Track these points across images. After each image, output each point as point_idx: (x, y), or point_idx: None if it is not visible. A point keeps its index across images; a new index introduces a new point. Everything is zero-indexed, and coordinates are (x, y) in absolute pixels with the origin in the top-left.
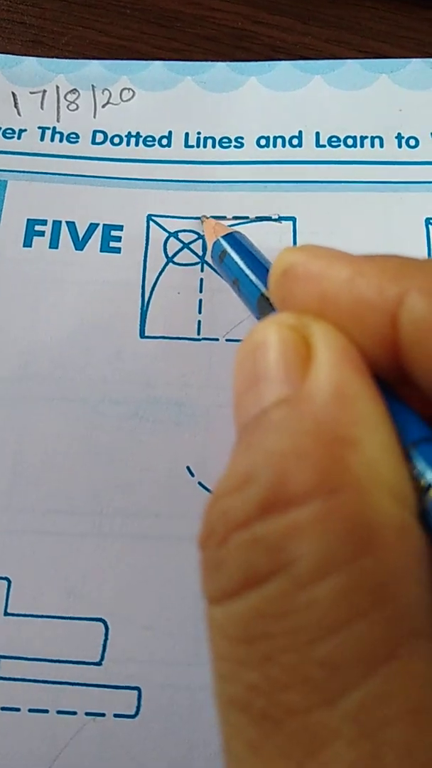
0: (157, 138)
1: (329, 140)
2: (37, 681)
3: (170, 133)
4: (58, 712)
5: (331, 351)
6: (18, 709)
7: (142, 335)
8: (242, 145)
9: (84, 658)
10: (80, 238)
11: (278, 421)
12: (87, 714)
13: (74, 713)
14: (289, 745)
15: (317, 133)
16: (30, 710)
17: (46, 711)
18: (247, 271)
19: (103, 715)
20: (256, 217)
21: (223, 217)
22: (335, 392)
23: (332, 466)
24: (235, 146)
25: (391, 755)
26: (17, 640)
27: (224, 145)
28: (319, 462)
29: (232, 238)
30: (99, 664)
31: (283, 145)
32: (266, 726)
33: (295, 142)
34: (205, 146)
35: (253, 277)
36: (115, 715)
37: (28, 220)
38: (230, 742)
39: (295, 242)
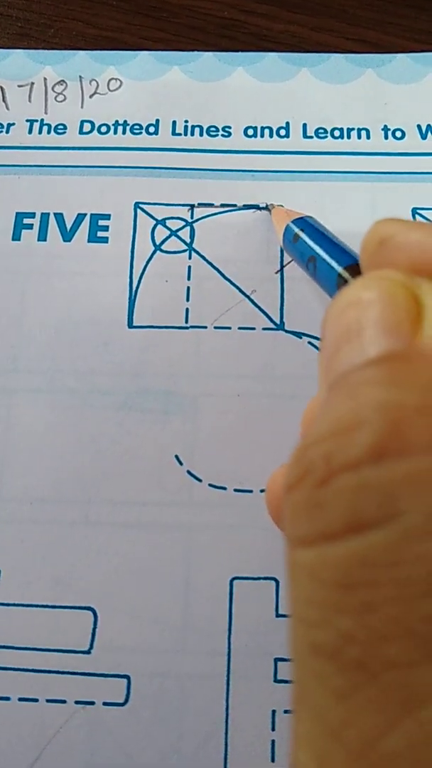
0: (144, 126)
1: (316, 132)
2: (27, 670)
3: (157, 121)
4: (48, 700)
5: None
6: (8, 698)
7: (131, 325)
8: (230, 134)
9: (73, 647)
10: (68, 229)
11: (390, 373)
12: (76, 702)
13: (64, 702)
14: (383, 698)
15: (304, 125)
16: (20, 699)
17: (36, 700)
18: (324, 251)
19: (92, 703)
20: (244, 205)
21: (211, 204)
22: None
23: None
24: (223, 135)
25: None
26: (6, 629)
27: (212, 133)
28: None
29: (304, 221)
30: (88, 652)
31: (271, 136)
32: (359, 676)
33: (282, 132)
34: (192, 134)
35: (327, 256)
36: (105, 704)
37: (16, 213)
38: (310, 690)
39: None
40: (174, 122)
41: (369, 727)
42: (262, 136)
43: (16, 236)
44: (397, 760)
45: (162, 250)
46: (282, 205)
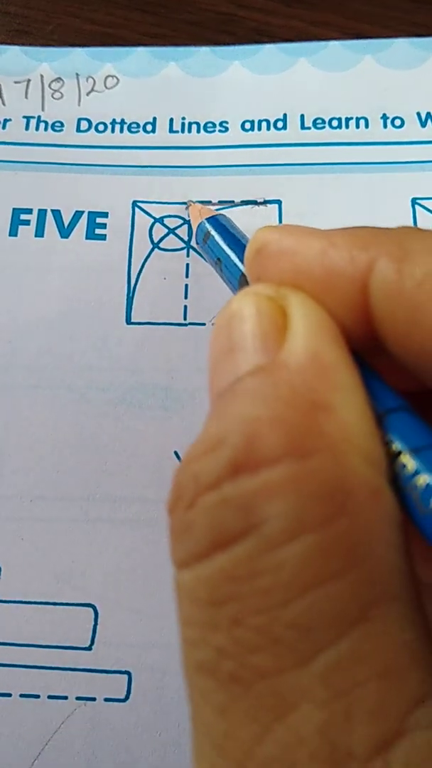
0: (141, 124)
1: (314, 122)
2: (28, 666)
3: (155, 119)
4: (49, 696)
5: (307, 320)
6: (9, 695)
7: (129, 321)
8: (227, 129)
9: (74, 643)
10: (66, 226)
11: (252, 387)
12: (78, 698)
13: (65, 698)
14: (257, 707)
15: (302, 116)
16: (21, 695)
17: (38, 696)
18: (230, 252)
19: (93, 699)
20: (242, 201)
21: (209, 202)
22: (311, 360)
23: (306, 431)
24: (220, 130)
25: (360, 715)
26: (8, 626)
27: (209, 129)
28: (292, 426)
29: (216, 221)
30: (89, 649)
31: (268, 129)
32: (235, 689)
33: (279, 125)
34: (189, 131)
35: (234, 257)
36: (106, 699)
37: (13, 209)
38: (198, 708)
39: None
40: (171, 119)
41: (246, 737)
42: (259, 129)
43: (13, 232)
44: (274, 765)
45: (160, 248)
46: (196, 202)
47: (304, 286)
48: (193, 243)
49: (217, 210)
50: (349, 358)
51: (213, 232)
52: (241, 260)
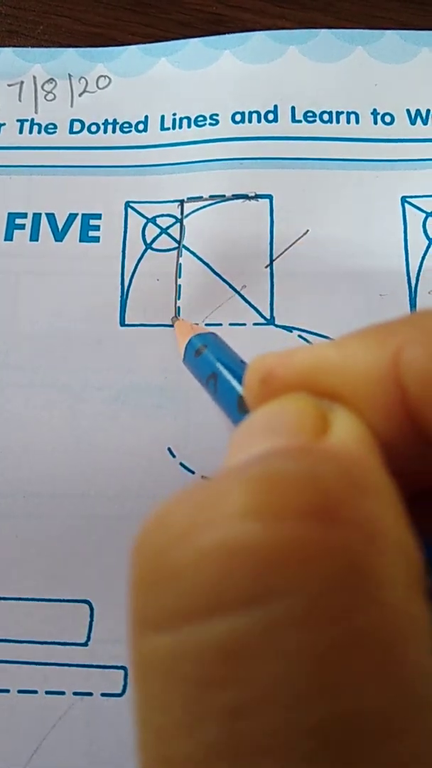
0: (133, 123)
1: (305, 115)
2: (26, 663)
3: (146, 117)
4: (47, 692)
5: (350, 428)
6: (7, 691)
7: (123, 323)
8: (217, 122)
9: (71, 640)
10: (60, 229)
11: (290, 452)
12: (75, 693)
13: (62, 693)
14: None
15: (293, 108)
16: (19, 691)
17: (35, 692)
18: (225, 369)
19: (90, 694)
20: (233, 195)
21: (200, 197)
22: (354, 455)
23: (342, 498)
24: (210, 123)
25: None
26: (5, 623)
27: (199, 123)
28: (327, 487)
29: (207, 338)
30: (85, 645)
31: (259, 121)
32: None
33: (270, 117)
34: (180, 127)
35: (229, 375)
36: (102, 694)
37: (8, 213)
38: None
39: (272, 221)
40: (162, 117)
41: None
42: (250, 121)
43: (8, 236)
44: None
45: (153, 249)
46: (181, 319)
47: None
48: (180, 358)
49: (208, 205)
50: (387, 474)
51: (205, 349)
52: (237, 379)
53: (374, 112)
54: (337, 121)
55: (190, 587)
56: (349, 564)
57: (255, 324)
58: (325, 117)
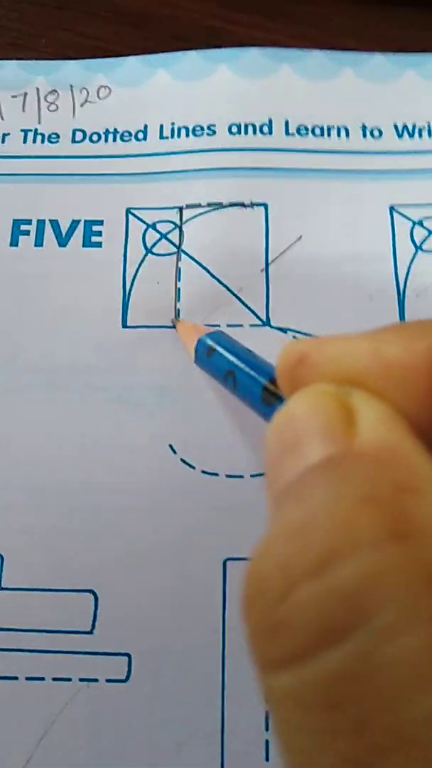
0: (133, 133)
1: (298, 129)
2: (33, 651)
3: (146, 126)
4: (54, 679)
5: (376, 414)
6: (16, 678)
7: (124, 325)
8: (214, 132)
9: (76, 628)
10: (63, 235)
11: (330, 473)
12: (81, 680)
13: (69, 680)
14: None
15: (286, 122)
16: (27, 678)
17: (42, 678)
18: (244, 364)
19: (96, 680)
20: (230, 203)
21: (198, 205)
22: (387, 449)
23: (399, 512)
24: (208, 134)
25: None
26: (12, 612)
27: (197, 133)
28: (385, 506)
29: (216, 336)
30: (91, 632)
31: (254, 133)
32: None
33: (265, 129)
34: (179, 136)
35: (249, 369)
36: (108, 680)
37: (13, 220)
38: None
39: (267, 227)
40: (161, 126)
41: None
42: (246, 133)
43: (13, 242)
44: None
45: (153, 253)
46: (182, 320)
47: (362, 385)
48: (190, 360)
49: (205, 212)
50: (424, 449)
51: (218, 347)
52: (257, 371)
53: (363, 127)
54: (329, 135)
55: (301, 630)
56: (426, 567)
57: (251, 325)
58: (317, 131)
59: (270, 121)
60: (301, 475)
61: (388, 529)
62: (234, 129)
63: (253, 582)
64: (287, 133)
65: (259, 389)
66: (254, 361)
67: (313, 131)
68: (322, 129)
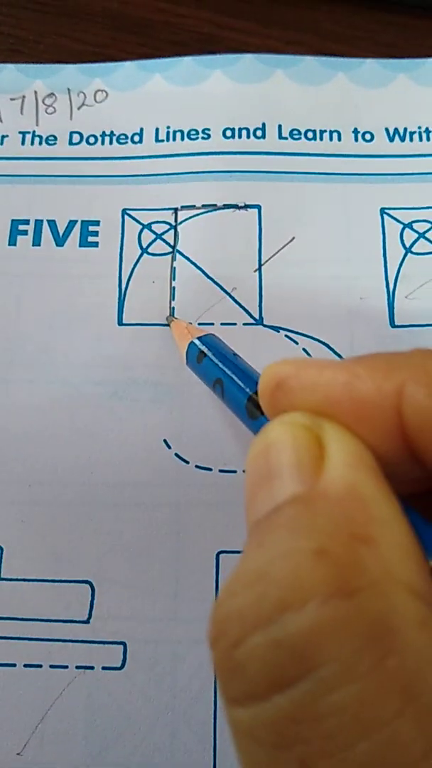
0: (129, 135)
1: (291, 133)
2: (31, 639)
3: (141, 129)
4: (51, 666)
5: (344, 451)
6: (14, 665)
7: (120, 323)
8: (209, 136)
9: (73, 617)
10: (60, 235)
11: (292, 518)
12: (77, 667)
13: (65, 667)
14: None
15: (279, 126)
16: (25, 665)
17: (40, 666)
18: (231, 374)
19: (92, 668)
20: (224, 205)
21: (193, 206)
22: (349, 491)
23: (349, 566)
24: (203, 137)
25: None
26: (11, 602)
27: (192, 136)
28: (335, 560)
29: (207, 340)
30: (87, 622)
31: (248, 137)
32: None
33: (259, 133)
34: (174, 139)
35: (237, 379)
36: (103, 668)
37: (12, 220)
38: None
39: (260, 229)
40: (157, 129)
41: None
42: (240, 137)
43: (12, 242)
44: None
45: (148, 253)
46: (176, 318)
47: (332, 416)
48: (182, 361)
49: (200, 214)
50: (387, 489)
51: (208, 353)
52: (244, 383)
53: (355, 131)
54: (321, 139)
55: (254, 674)
56: (368, 625)
57: (245, 324)
58: (310, 135)
59: (264, 125)
60: (266, 516)
61: (338, 584)
62: (228, 133)
63: (215, 624)
64: (280, 136)
65: (245, 401)
66: (242, 370)
67: (305, 135)
68: (314, 133)
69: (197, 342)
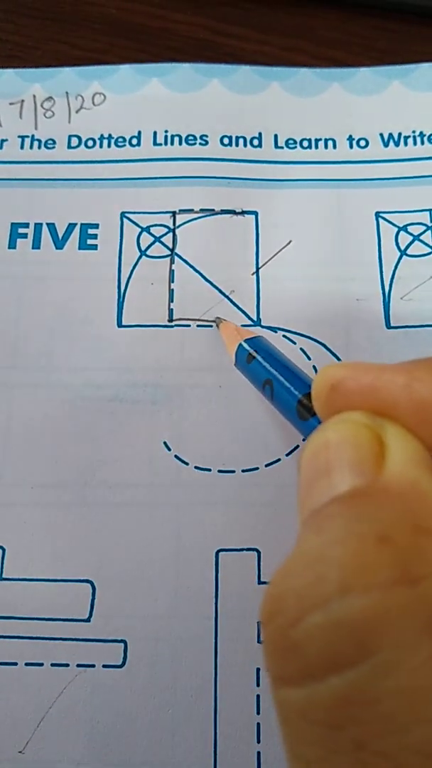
0: (127, 138)
1: (287, 142)
2: (32, 638)
3: (139, 133)
4: (52, 664)
5: (405, 449)
6: (15, 663)
7: (120, 324)
8: (207, 142)
9: (74, 616)
10: (60, 238)
11: (354, 505)
12: (78, 666)
13: (66, 665)
14: None
15: (275, 135)
16: (26, 664)
17: (41, 664)
18: (281, 376)
19: (93, 666)
20: (222, 210)
21: (191, 210)
22: (412, 486)
23: (414, 554)
24: (201, 143)
25: None
26: (13, 601)
27: (190, 142)
28: (400, 548)
29: (257, 342)
30: (88, 620)
31: (245, 145)
32: None
33: (255, 142)
34: (172, 144)
35: (286, 382)
36: (104, 666)
37: (11, 223)
38: None
39: (257, 233)
40: (155, 133)
41: None
42: (236, 145)
43: (11, 245)
44: None
45: (147, 256)
46: (226, 321)
47: (392, 418)
48: (231, 363)
49: (198, 218)
50: None
51: (257, 355)
52: (294, 385)
53: (350, 138)
54: (316, 147)
55: (311, 654)
56: (429, 615)
57: (243, 325)
58: (305, 143)
59: (260, 135)
60: (325, 505)
61: (402, 570)
62: (226, 140)
63: (270, 602)
64: (276, 145)
65: (295, 403)
66: (292, 372)
67: (301, 144)
68: (309, 141)
69: (245, 344)
